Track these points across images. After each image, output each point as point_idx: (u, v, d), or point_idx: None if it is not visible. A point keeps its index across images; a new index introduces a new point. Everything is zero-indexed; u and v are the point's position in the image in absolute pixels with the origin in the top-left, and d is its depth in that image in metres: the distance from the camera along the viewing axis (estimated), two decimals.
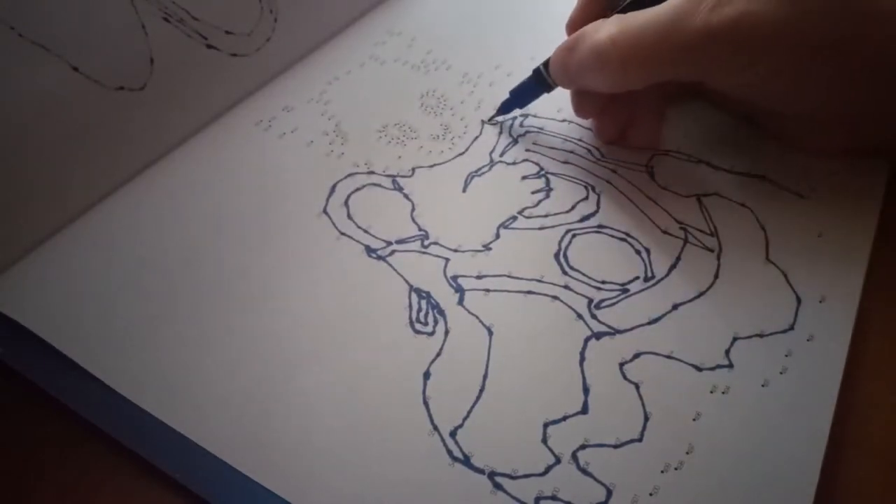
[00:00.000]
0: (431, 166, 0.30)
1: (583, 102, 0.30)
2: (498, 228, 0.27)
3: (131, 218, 0.28)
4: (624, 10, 0.26)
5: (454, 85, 0.34)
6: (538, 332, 0.24)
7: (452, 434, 0.21)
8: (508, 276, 0.26)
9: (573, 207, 0.28)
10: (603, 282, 0.25)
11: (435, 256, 0.26)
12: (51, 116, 0.27)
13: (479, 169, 0.30)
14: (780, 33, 0.23)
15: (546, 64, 0.29)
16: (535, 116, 0.32)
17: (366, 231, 0.27)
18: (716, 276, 0.25)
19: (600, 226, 0.27)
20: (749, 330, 0.24)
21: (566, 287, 0.25)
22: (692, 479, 0.20)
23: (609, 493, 0.20)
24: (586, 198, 0.28)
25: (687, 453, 0.21)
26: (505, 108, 0.31)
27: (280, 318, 0.24)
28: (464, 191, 0.29)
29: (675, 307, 0.24)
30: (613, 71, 0.26)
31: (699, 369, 0.23)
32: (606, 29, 0.26)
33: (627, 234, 0.27)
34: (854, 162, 0.28)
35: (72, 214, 0.28)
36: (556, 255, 0.26)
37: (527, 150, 0.30)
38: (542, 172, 0.29)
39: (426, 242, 0.27)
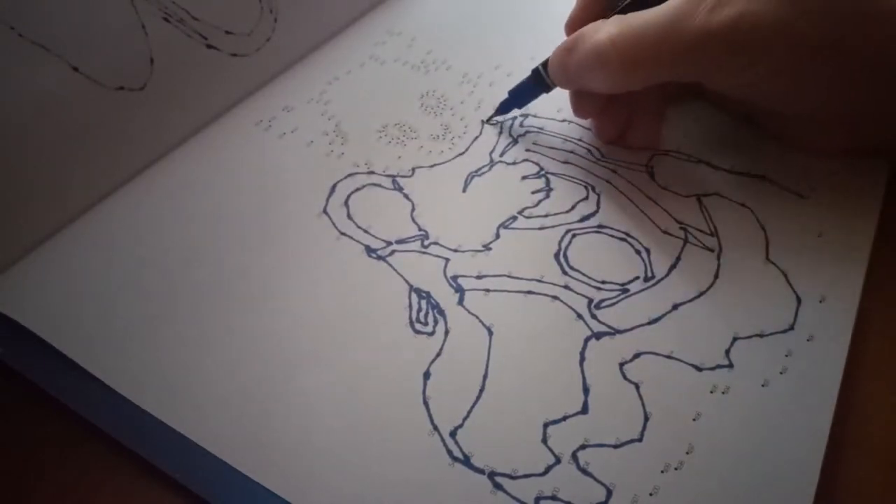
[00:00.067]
0: (431, 166, 0.30)
1: (582, 103, 0.30)
2: (498, 228, 0.27)
3: (131, 218, 0.28)
4: (623, 11, 0.26)
5: (454, 85, 0.34)
6: (538, 332, 0.24)
7: (452, 434, 0.21)
8: (508, 276, 0.26)
9: (573, 207, 0.28)
10: (603, 282, 0.25)
11: (435, 256, 0.26)
12: (51, 116, 0.27)
13: (479, 169, 0.30)
14: (780, 33, 0.23)
15: (545, 64, 0.29)
16: (535, 116, 0.32)
17: (366, 231, 0.27)
18: (716, 276, 0.25)
19: (600, 226, 0.27)
20: (749, 330, 0.24)
21: (566, 287, 0.25)
22: (692, 479, 0.20)
23: (609, 493, 0.20)
24: (586, 198, 0.28)
25: (687, 453, 0.21)
26: (503, 108, 0.31)
27: (280, 318, 0.24)
28: (464, 191, 0.29)
29: (675, 307, 0.24)
30: (613, 72, 0.26)
31: (699, 369, 0.23)
32: (606, 29, 0.26)
33: (627, 234, 0.27)
34: (854, 162, 0.28)
35: (72, 214, 0.28)
36: (556, 255, 0.26)
37: (527, 150, 0.30)
38: (542, 172, 0.29)
39: (426, 242, 0.27)
